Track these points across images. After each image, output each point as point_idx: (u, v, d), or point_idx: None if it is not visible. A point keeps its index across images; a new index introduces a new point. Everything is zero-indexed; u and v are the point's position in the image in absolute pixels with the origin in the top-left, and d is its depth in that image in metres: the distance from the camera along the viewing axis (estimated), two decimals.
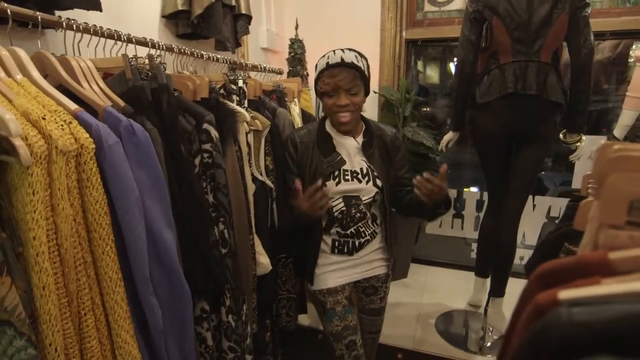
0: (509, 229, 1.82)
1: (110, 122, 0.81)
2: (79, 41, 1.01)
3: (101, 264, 0.78)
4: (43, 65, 0.87)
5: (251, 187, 1.35)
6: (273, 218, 1.48)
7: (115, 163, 0.78)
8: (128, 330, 0.82)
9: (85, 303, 0.76)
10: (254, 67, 1.94)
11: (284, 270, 1.55)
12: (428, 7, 2.51)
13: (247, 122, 1.31)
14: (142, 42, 1.17)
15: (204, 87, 1.20)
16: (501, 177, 1.84)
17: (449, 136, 1.97)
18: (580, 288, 0.37)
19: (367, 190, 1.26)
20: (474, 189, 2.77)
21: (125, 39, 1.10)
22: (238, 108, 1.29)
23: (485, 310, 1.98)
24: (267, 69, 2.08)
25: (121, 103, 0.92)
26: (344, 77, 1.15)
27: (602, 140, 2.21)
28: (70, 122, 0.73)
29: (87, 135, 0.74)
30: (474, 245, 2.48)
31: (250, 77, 1.59)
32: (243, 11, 1.87)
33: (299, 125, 1.78)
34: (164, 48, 1.25)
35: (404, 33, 2.47)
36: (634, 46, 2.36)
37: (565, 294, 0.36)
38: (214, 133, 1.10)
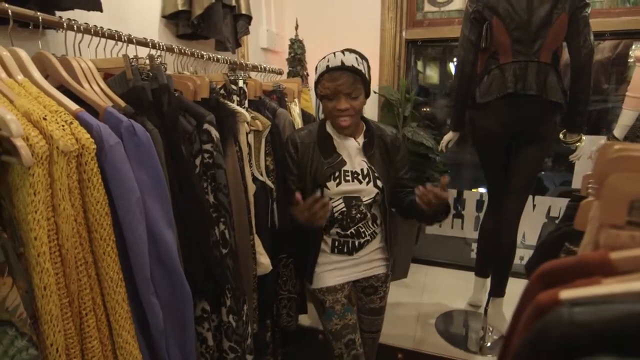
0: (509, 229, 1.82)
1: (111, 122, 0.81)
2: (80, 41, 1.01)
3: (102, 264, 0.78)
4: (44, 65, 0.87)
5: (252, 188, 1.35)
6: (273, 218, 1.48)
7: (116, 163, 0.78)
8: (129, 330, 0.83)
9: (87, 303, 0.76)
10: (254, 68, 1.94)
11: (284, 270, 1.55)
12: (428, 7, 2.51)
13: (247, 123, 1.31)
14: (143, 43, 1.17)
15: (204, 88, 1.20)
16: (501, 177, 1.84)
17: (449, 136, 1.97)
18: (581, 288, 0.37)
19: (368, 191, 1.26)
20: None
21: (126, 39, 1.10)
22: (238, 108, 1.29)
23: (486, 310, 1.98)
24: (267, 69, 2.08)
25: (122, 103, 0.92)
26: (344, 81, 1.15)
27: (602, 140, 2.20)
28: (71, 123, 0.73)
29: (88, 135, 0.74)
30: (474, 245, 2.48)
31: (250, 78, 1.59)
32: (243, 11, 1.87)
33: (299, 126, 1.78)
34: (165, 48, 1.25)
35: (404, 33, 2.47)
36: (633, 46, 2.36)
37: (566, 293, 0.36)
38: (215, 133, 1.10)
